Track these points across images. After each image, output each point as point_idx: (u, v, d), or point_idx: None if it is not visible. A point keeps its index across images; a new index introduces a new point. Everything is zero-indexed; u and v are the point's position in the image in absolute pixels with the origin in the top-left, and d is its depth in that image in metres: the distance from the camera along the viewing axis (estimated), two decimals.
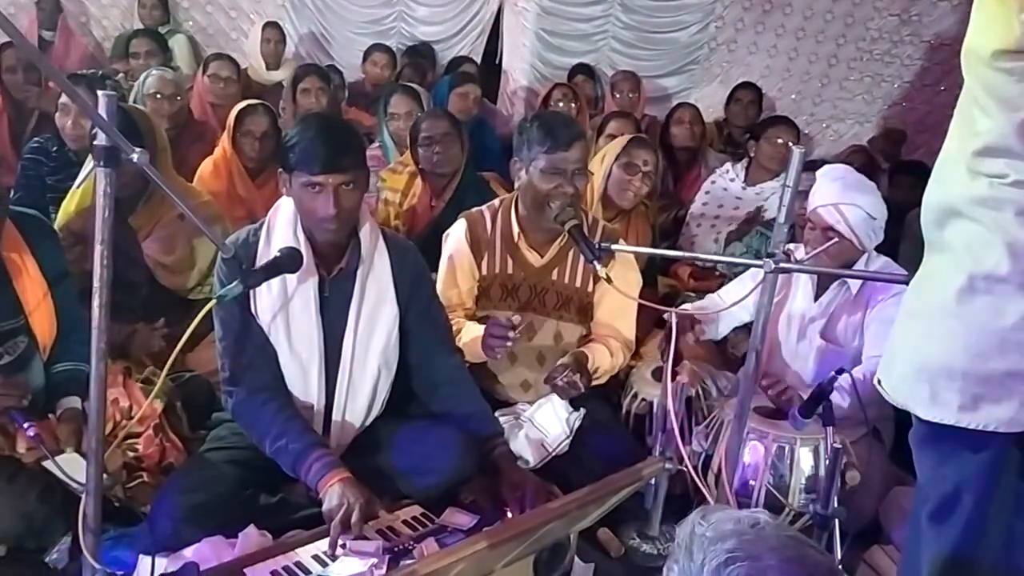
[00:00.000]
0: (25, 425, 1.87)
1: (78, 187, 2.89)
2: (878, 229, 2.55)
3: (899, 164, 4.80)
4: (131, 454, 2.15)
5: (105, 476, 1.67)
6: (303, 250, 2.02)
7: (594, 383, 2.59)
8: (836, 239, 2.47)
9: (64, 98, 3.14)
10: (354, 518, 1.85)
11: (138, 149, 1.50)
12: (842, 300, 2.64)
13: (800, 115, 5.95)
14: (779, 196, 3.59)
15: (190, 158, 3.45)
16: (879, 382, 1.40)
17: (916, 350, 1.32)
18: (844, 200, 2.49)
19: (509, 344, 2.35)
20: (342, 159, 2.01)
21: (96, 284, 1.55)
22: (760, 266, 1.91)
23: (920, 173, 4.70)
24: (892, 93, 5.95)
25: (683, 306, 2.87)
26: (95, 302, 1.56)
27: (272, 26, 5.47)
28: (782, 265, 1.90)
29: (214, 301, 1.77)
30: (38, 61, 1.50)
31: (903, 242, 3.88)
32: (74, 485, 1.80)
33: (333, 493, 1.91)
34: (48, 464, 1.85)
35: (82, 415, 2.08)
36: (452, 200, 3.26)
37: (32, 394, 2.07)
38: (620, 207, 3.20)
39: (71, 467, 1.86)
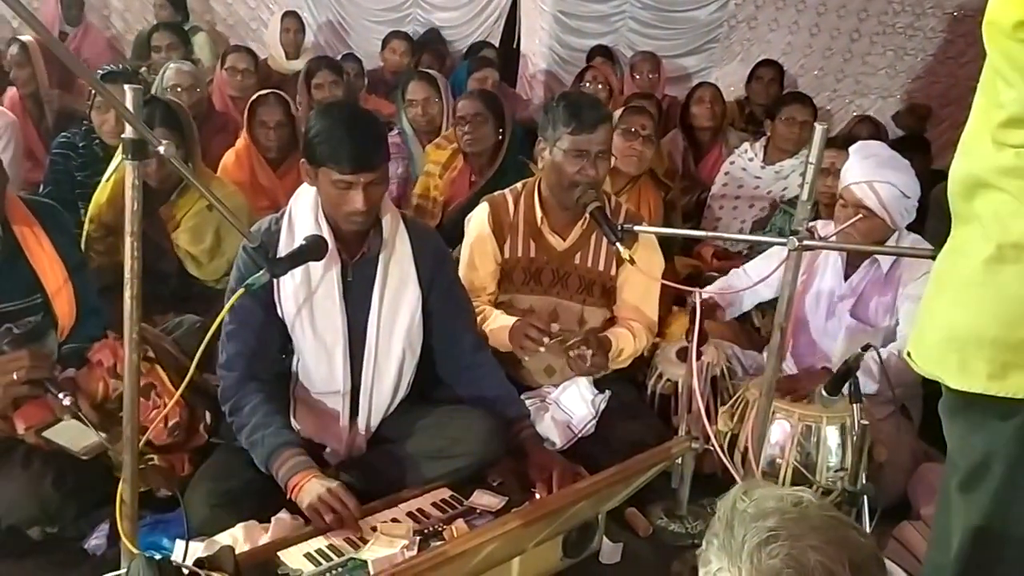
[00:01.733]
0: (60, 395, 1.87)
1: (108, 179, 2.93)
2: (911, 208, 2.52)
3: (901, 140, 4.73)
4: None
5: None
6: (326, 237, 2.03)
7: (618, 366, 2.61)
8: (863, 214, 2.45)
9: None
10: (341, 509, 1.87)
11: (164, 141, 1.53)
12: (873, 279, 2.62)
13: (823, 91, 5.91)
14: (801, 174, 3.65)
15: (212, 149, 3.48)
16: (908, 354, 1.40)
17: (945, 320, 1.33)
18: (877, 178, 2.47)
19: (542, 350, 2.38)
20: (372, 158, 2.04)
21: (128, 276, 1.58)
22: (784, 244, 1.90)
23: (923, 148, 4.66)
24: (915, 67, 5.85)
25: (708, 286, 2.87)
26: (127, 293, 1.59)
27: (291, 15, 5.49)
28: (806, 243, 1.89)
29: (241, 290, 1.79)
30: (68, 60, 1.52)
31: (929, 219, 3.84)
32: (75, 451, 1.83)
33: (311, 490, 1.91)
34: (48, 433, 1.87)
35: (75, 383, 2.08)
36: (491, 180, 3.37)
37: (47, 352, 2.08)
38: (628, 174, 3.28)
39: (72, 434, 1.88)
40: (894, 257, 2.57)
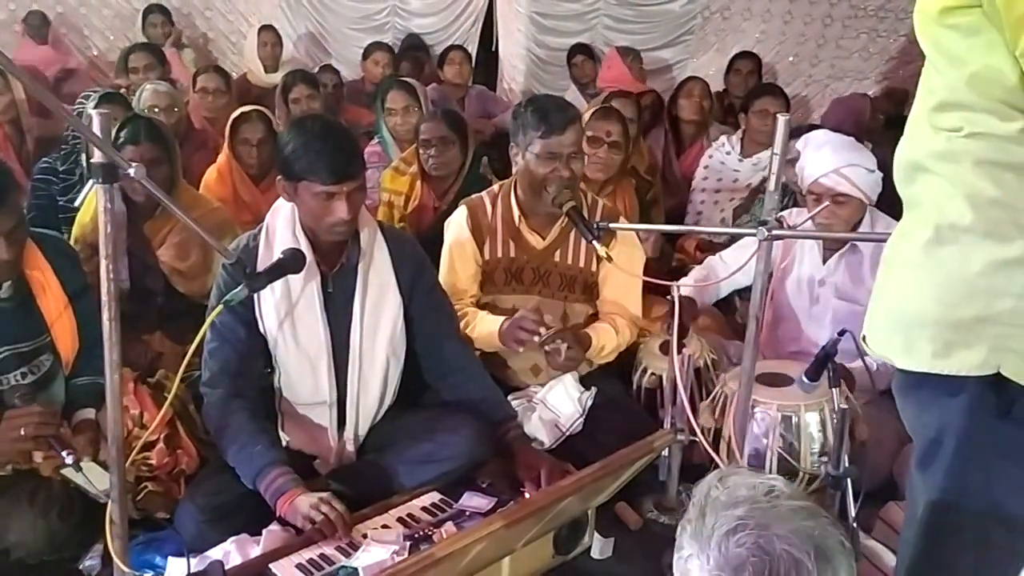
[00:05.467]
0: (64, 453, 1.90)
1: (87, 196, 2.93)
2: (878, 178, 2.58)
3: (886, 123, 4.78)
4: (144, 468, 2.19)
5: None
6: (304, 250, 2.06)
7: (602, 361, 2.63)
8: (841, 200, 2.52)
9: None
10: (334, 515, 1.90)
11: (134, 164, 1.55)
12: (852, 261, 2.65)
13: (798, 77, 5.99)
14: (797, 170, 3.68)
15: (194, 166, 3.49)
16: (863, 338, 1.43)
17: (891, 303, 1.36)
18: (842, 163, 2.53)
19: (536, 339, 2.40)
20: (352, 166, 2.07)
21: (104, 298, 1.60)
22: (754, 234, 1.92)
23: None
24: (889, 48, 5.92)
25: (685, 278, 2.89)
26: (104, 315, 1.61)
27: (267, 29, 5.51)
28: (775, 232, 1.92)
29: (220, 307, 1.81)
30: (37, 93, 1.55)
31: None
32: (94, 492, 1.86)
33: (302, 504, 1.93)
34: (67, 472, 1.90)
35: (96, 425, 2.13)
36: (455, 200, 3.19)
37: (56, 409, 2.13)
38: (594, 179, 3.23)
39: (92, 475, 1.91)
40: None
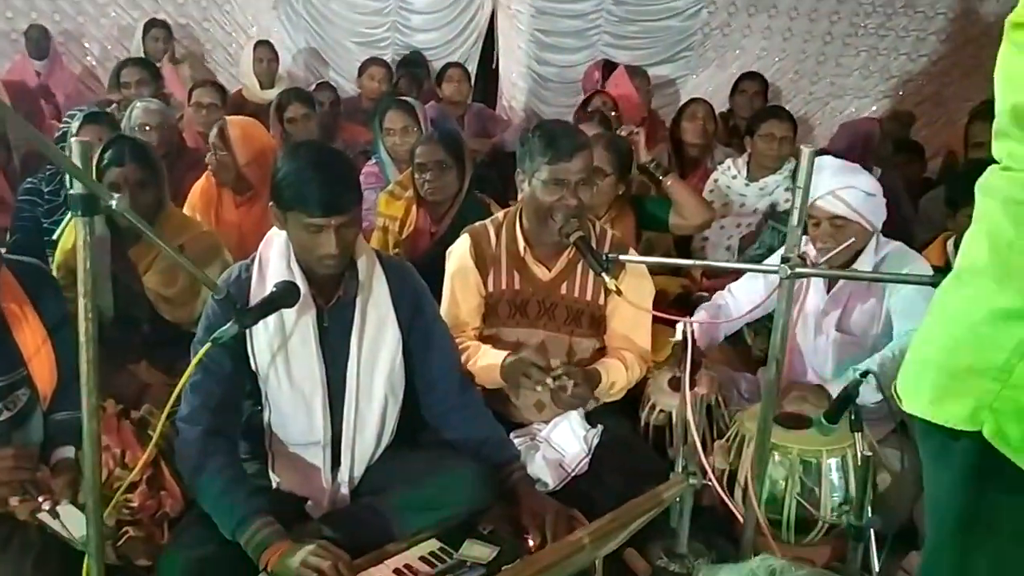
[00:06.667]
0: (40, 499, 1.82)
1: (70, 221, 2.83)
2: (880, 204, 2.52)
3: (896, 146, 4.71)
4: (125, 511, 2.07)
5: None
6: (299, 283, 1.96)
7: (611, 398, 2.52)
8: (853, 239, 2.43)
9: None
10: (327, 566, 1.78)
11: (116, 196, 1.46)
12: (855, 287, 2.57)
13: (798, 94, 5.96)
14: (786, 189, 3.59)
15: (186, 188, 3.39)
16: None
17: (914, 342, 1.28)
18: (838, 185, 2.46)
19: (539, 389, 2.30)
20: (343, 200, 1.97)
21: (82, 339, 1.50)
22: (776, 272, 1.82)
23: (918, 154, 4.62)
24: (889, 67, 5.89)
25: (697, 310, 2.79)
26: (83, 357, 1.51)
27: (263, 45, 5.44)
28: (799, 270, 1.81)
29: (208, 344, 1.71)
30: (15, 126, 1.46)
31: (917, 225, 3.79)
32: (72, 539, 1.75)
33: (293, 555, 1.81)
34: (43, 516, 1.81)
35: (76, 465, 2.02)
36: (452, 226, 3.11)
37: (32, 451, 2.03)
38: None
39: (70, 520, 1.81)
40: (874, 261, 2.54)
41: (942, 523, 1.20)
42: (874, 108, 5.89)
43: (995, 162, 1.17)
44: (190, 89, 4.40)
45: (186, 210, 3.22)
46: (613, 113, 4.57)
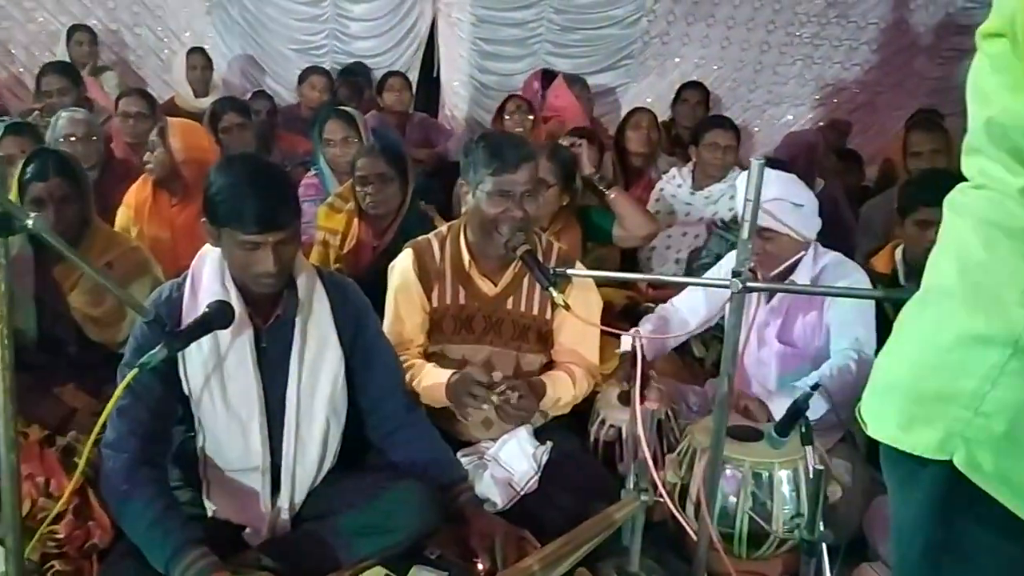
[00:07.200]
0: None
1: None
2: (810, 214, 2.50)
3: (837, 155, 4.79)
4: (51, 543, 1.95)
5: None
6: (234, 302, 1.88)
7: (558, 413, 2.48)
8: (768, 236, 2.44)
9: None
10: None
11: (33, 215, 1.37)
12: (794, 299, 2.56)
13: (737, 102, 6.02)
14: (731, 197, 3.60)
15: (114, 200, 3.25)
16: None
17: (879, 367, 1.21)
18: (765, 197, 2.41)
19: (485, 407, 2.23)
20: (279, 216, 1.88)
21: None
22: (727, 286, 1.79)
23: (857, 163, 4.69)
24: (824, 75, 5.98)
25: (643, 322, 2.77)
26: None
27: (197, 52, 5.29)
28: (749, 284, 1.79)
29: (135, 371, 1.61)
30: None
31: (858, 236, 3.83)
32: None
33: None
34: None
35: None
36: (395, 239, 3.02)
37: None
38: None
39: None
40: (812, 273, 2.53)
41: (909, 550, 1.16)
42: (810, 116, 5.99)
43: (954, 176, 1.13)
44: (117, 98, 4.24)
45: (121, 210, 3.14)
46: (530, 117, 4.62)
